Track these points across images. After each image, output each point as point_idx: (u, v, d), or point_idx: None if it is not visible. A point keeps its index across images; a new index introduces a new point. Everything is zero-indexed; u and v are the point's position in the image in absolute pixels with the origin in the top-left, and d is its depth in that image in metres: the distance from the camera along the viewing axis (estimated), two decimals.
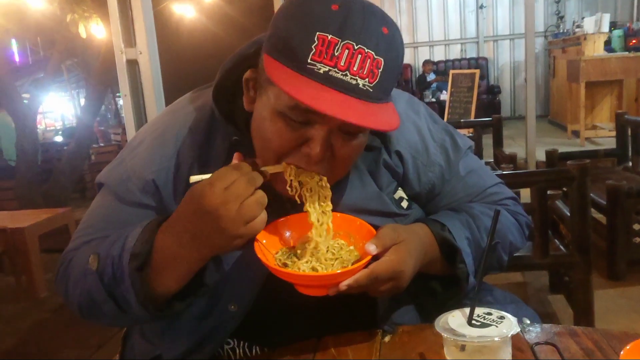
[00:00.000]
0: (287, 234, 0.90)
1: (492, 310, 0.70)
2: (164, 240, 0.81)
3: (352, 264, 0.82)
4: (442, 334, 0.67)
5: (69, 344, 2.86)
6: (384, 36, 0.76)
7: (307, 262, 0.83)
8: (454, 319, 0.69)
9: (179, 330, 0.97)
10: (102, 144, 8.84)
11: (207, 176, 0.78)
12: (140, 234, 0.82)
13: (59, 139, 9.69)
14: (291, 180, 0.83)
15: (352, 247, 0.88)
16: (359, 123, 0.74)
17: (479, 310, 0.69)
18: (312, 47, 0.73)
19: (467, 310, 0.70)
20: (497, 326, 0.66)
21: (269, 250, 0.86)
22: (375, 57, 0.75)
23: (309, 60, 0.73)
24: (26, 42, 6.59)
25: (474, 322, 0.68)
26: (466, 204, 1.03)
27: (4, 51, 5.93)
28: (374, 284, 0.81)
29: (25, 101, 6.30)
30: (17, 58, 6.83)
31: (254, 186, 0.76)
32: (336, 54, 0.73)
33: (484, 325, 0.67)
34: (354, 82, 0.74)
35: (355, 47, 0.73)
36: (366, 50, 0.74)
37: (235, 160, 0.81)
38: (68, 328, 3.02)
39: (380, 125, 0.77)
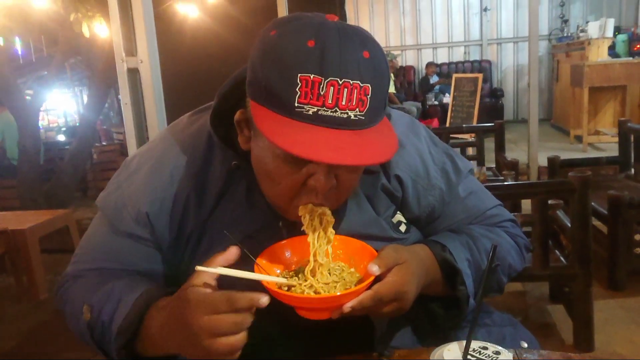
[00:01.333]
0: (288, 256, 0.89)
1: (488, 345, 0.70)
2: (150, 320, 0.82)
3: (355, 285, 0.81)
4: None
5: (69, 347, 2.85)
6: (366, 61, 0.74)
7: (309, 285, 0.82)
8: (450, 353, 0.69)
9: None
10: (104, 143, 8.84)
11: (213, 270, 0.76)
12: (129, 311, 0.83)
13: (61, 138, 9.69)
14: (307, 216, 0.83)
15: (353, 269, 0.87)
16: (355, 163, 0.73)
17: (474, 344, 0.69)
18: (297, 89, 0.71)
19: (463, 343, 0.69)
20: None
21: (269, 272, 0.85)
22: (362, 85, 0.73)
23: (295, 104, 0.72)
24: (30, 40, 6.60)
25: (469, 357, 0.68)
26: (466, 226, 1.03)
27: (7, 50, 5.93)
28: (377, 306, 0.80)
29: (28, 97, 6.31)
30: (20, 57, 6.85)
31: (239, 329, 0.72)
32: (322, 93, 0.71)
33: None
34: (345, 115, 0.73)
35: (340, 82, 0.72)
36: (351, 82, 0.72)
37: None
38: (68, 330, 3.02)
39: (377, 157, 0.76)
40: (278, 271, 0.87)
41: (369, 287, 0.79)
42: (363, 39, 0.76)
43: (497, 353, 0.68)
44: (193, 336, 0.72)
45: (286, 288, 0.81)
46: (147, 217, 0.91)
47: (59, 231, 3.87)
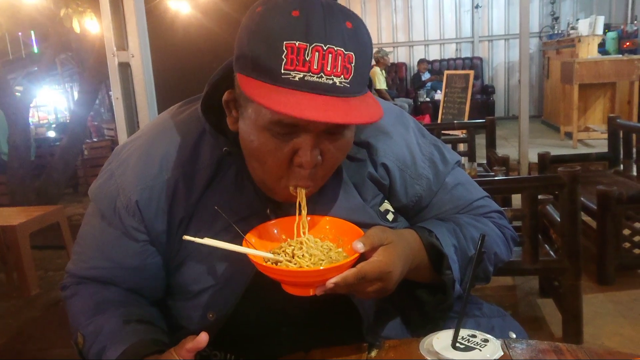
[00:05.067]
0: (276, 234, 0.90)
1: (477, 333, 0.70)
2: None
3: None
4: (426, 357, 0.67)
5: (59, 343, 2.85)
6: (349, 30, 0.76)
7: (295, 262, 0.82)
8: (439, 341, 0.70)
9: None
10: (95, 139, 8.79)
11: (200, 240, 0.80)
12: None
13: (52, 134, 9.62)
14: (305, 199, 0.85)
15: (340, 250, 0.87)
16: (342, 121, 0.75)
17: (463, 333, 0.70)
18: (283, 57, 0.73)
19: (452, 331, 0.70)
20: (480, 350, 0.67)
21: (257, 248, 0.85)
22: (346, 52, 0.75)
23: (282, 71, 0.74)
24: (19, 36, 6.56)
25: (458, 344, 0.68)
26: (453, 215, 1.04)
27: None
28: (361, 284, 0.81)
29: (18, 94, 6.26)
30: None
31: None
32: (307, 59, 0.73)
33: (468, 349, 0.68)
34: (330, 82, 0.75)
35: (325, 48, 0.74)
36: (335, 48, 0.74)
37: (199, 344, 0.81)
38: (59, 326, 3.02)
39: (363, 118, 0.77)
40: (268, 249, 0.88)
41: (354, 266, 0.79)
42: (346, 11, 0.79)
43: (486, 341, 0.69)
44: None
45: (273, 264, 0.82)
46: (137, 206, 0.92)
47: (49, 227, 3.84)
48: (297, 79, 0.74)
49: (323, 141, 0.81)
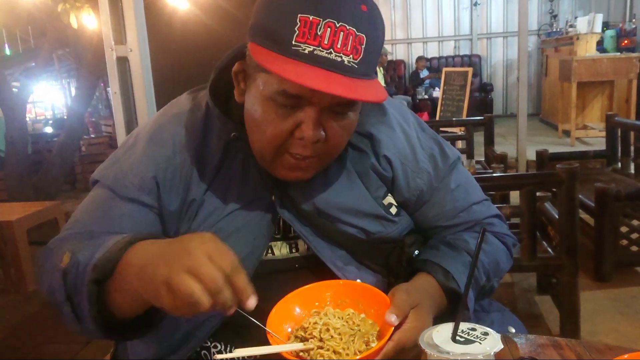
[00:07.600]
0: (297, 312, 0.86)
1: (477, 326, 0.70)
2: (130, 257, 0.73)
3: (373, 335, 0.79)
4: (426, 350, 0.67)
5: (57, 339, 2.85)
6: (363, 13, 0.78)
7: (325, 348, 0.77)
8: (438, 335, 0.70)
9: (161, 329, 0.96)
10: (93, 135, 8.77)
11: (231, 355, 0.73)
12: (112, 245, 0.75)
13: (49, 130, 9.58)
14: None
15: (363, 315, 0.84)
16: (345, 95, 0.75)
17: (463, 326, 0.70)
18: (295, 29, 0.75)
19: (452, 325, 0.70)
20: (480, 343, 0.67)
21: (280, 333, 0.81)
22: (357, 34, 0.76)
23: (293, 42, 0.75)
24: (17, 31, 6.54)
25: (458, 338, 0.68)
26: (462, 239, 1.02)
27: None
28: (401, 354, 0.79)
29: (15, 89, 6.24)
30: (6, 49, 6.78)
31: (211, 287, 0.66)
32: (319, 33, 0.75)
33: (468, 342, 0.67)
34: (339, 59, 0.76)
35: (337, 25, 0.75)
36: (348, 27, 0.76)
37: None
38: (57, 322, 2.96)
39: (368, 96, 0.79)
40: (289, 329, 0.83)
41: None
42: None
43: (486, 334, 0.69)
44: (174, 254, 0.67)
45: (305, 352, 0.78)
46: (155, 181, 0.90)
47: (47, 223, 3.84)
48: (306, 51, 0.75)
49: (327, 119, 0.82)
